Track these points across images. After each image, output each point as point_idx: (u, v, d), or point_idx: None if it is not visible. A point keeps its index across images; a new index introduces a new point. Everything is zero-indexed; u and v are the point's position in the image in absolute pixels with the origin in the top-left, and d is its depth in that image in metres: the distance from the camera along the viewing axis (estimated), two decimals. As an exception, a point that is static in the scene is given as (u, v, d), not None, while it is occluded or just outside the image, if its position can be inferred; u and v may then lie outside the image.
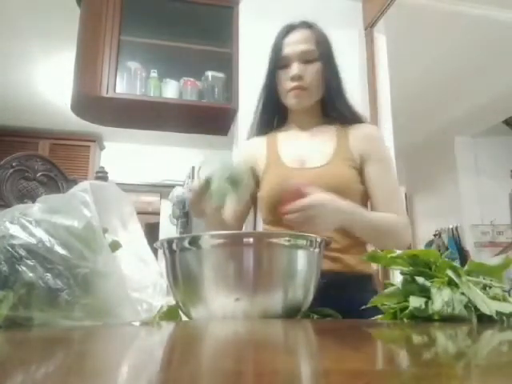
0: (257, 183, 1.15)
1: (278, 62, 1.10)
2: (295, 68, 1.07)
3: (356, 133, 1.11)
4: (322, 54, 1.10)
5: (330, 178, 1.03)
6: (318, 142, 1.12)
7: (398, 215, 1.04)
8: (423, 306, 0.55)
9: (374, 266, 1.22)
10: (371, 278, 1.10)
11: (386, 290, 0.63)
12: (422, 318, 0.56)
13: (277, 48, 1.10)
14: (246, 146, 1.22)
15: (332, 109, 1.13)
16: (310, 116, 1.15)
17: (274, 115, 1.19)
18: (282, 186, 1.01)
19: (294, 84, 1.07)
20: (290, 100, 1.10)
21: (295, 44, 1.09)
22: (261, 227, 1.20)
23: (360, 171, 1.08)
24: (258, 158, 1.15)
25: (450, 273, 0.58)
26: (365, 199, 1.10)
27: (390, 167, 1.12)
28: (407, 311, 0.57)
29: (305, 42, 1.09)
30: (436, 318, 0.54)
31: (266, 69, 1.13)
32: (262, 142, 1.17)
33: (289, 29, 1.12)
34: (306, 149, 1.11)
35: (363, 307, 0.63)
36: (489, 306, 0.54)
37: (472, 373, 0.28)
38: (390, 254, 0.63)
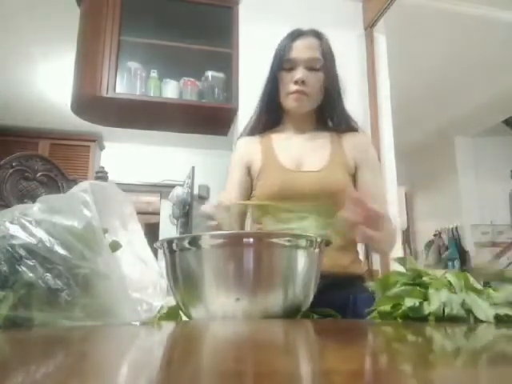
0: (251, 181, 1.17)
1: (283, 64, 1.12)
2: (300, 72, 1.09)
3: (350, 140, 1.16)
4: (326, 64, 1.12)
5: (327, 182, 1.07)
6: (313, 146, 1.15)
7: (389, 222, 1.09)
8: (417, 304, 0.55)
9: (365, 267, 1.25)
10: (362, 278, 1.14)
11: (389, 292, 0.63)
12: (419, 319, 0.56)
13: (284, 49, 1.12)
14: (241, 144, 1.23)
15: (329, 118, 1.18)
16: (306, 121, 1.18)
17: (272, 115, 1.20)
18: (283, 187, 1.03)
19: (297, 88, 1.09)
20: (289, 102, 1.12)
21: (303, 49, 1.11)
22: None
23: (353, 177, 1.14)
24: (254, 156, 1.17)
25: (449, 277, 0.58)
26: None
27: (380, 175, 1.21)
28: (401, 311, 0.57)
29: (312, 49, 1.12)
30: (432, 318, 0.54)
31: (270, 68, 1.15)
32: (255, 141, 1.20)
33: (298, 33, 1.14)
34: (301, 152, 1.14)
35: (368, 310, 0.63)
36: (486, 312, 0.54)
37: (473, 373, 0.28)
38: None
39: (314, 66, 1.10)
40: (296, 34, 1.14)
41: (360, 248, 1.19)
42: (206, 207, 0.85)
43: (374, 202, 1.08)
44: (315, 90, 1.11)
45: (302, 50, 1.11)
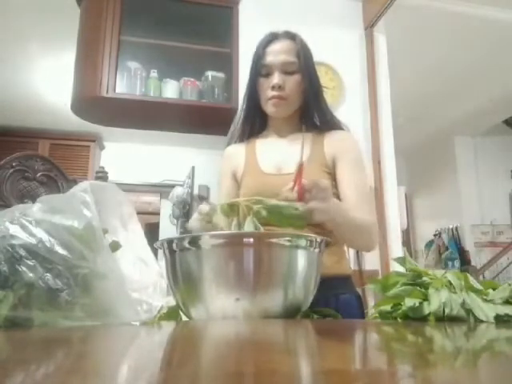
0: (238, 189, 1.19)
1: (259, 70, 1.12)
2: (276, 77, 1.09)
3: (330, 138, 1.15)
4: (303, 66, 1.12)
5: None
6: (294, 148, 1.15)
7: (368, 216, 1.06)
8: (417, 304, 0.55)
9: (352, 267, 1.23)
10: (349, 279, 1.13)
11: (389, 292, 0.63)
12: (419, 319, 0.55)
13: (259, 56, 1.12)
14: (226, 153, 1.25)
15: (309, 118, 1.17)
16: (289, 124, 1.18)
17: (254, 121, 1.21)
18: (260, 192, 1.02)
19: (274, 93, 1.10)
20: (269, 108, 1.13)
21: (277, 54, 1.11)
22: None
23: (333, 176, 1.11)
24: (238, 164, 1.19)
25: (449, 277, 0.58)
26: None
27: (361, 170, 1.15)
28: (401, 311, 0.57)
29: (286, 52, 1.11)
30: (432, 318, 0.54)
31: (249, 75, 1.15)
32: (241, 148, 1.21)
33: (271, 37, 1.14)
34: (282, 155, 1.14)
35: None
36: (486, 312, 0.54)
37: (473, 373, 0.28)
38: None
39: (289, 70, 1.10)
40: (270, 38, 1.14)
41: (346, 248, 1.17)
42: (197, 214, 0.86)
43: (350, 199, 1.07)
44: (293, 93, 1.11)
45: (276, 54, 1.11)
